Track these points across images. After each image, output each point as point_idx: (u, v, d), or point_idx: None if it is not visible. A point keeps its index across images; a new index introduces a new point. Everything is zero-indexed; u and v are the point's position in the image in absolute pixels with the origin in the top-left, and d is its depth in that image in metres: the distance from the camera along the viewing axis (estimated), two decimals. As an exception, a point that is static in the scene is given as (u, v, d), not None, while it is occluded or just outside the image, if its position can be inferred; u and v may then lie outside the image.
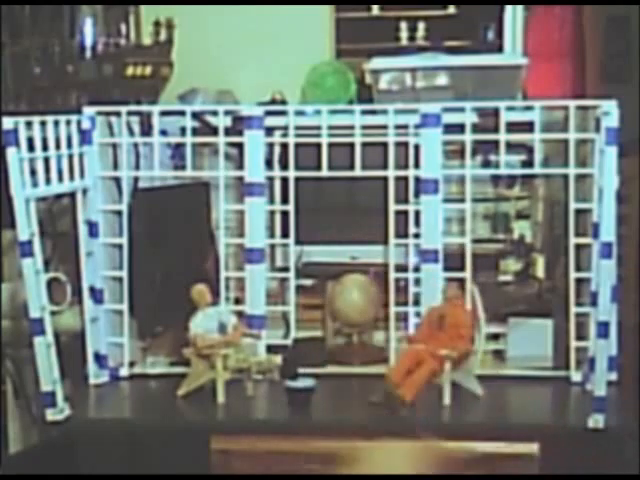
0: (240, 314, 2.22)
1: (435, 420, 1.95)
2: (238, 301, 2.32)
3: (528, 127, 2.16)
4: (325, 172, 2.22)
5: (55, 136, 2.08)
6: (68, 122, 2.14)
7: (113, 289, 2.25)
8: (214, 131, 2.27)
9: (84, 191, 2.20)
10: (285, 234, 2.30)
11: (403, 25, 2.91)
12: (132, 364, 2.27)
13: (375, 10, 2.92)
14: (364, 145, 2.21)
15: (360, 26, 2.89)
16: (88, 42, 2.58)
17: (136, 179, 2.30)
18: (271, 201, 2.33)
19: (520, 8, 2.81)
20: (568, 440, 1.88)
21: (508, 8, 2.80)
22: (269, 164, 2.33)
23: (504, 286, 2.33)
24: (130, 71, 2.54)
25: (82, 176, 2.18)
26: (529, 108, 2.19)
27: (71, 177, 2.14)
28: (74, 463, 1.99)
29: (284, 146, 2.29)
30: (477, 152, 2.29)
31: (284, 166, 2.29)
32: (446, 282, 2.18)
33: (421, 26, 2.90)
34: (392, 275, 2.22)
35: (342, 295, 2.27)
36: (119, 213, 2.25)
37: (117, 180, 2.26)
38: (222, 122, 2.24)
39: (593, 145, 2.12)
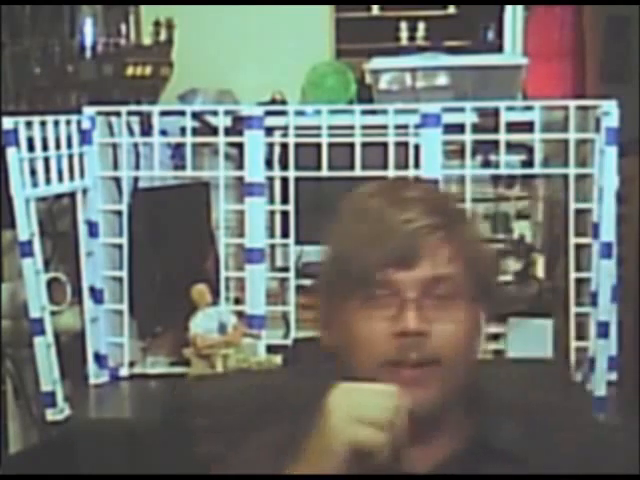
0: (240, 314, 2.22)
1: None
2: (238, 301, 2.32)
3: (528, 127, 2.16)
4: (325, 172, 2.22)
5: (55, 136, 2.08)
6: (68, 122, 2.14)
7: (113, 289, 2.25)
8: (214, 131, 2.27)
9: (84, 191, 2.20)
10: (285, 234, 2.30)
11: (403, 25, 2.90)
12: (132, 364, 2.27)
13: (375, 10, 2.91)
14: (364, 145, 2.21)
15: (360, 26, 2.88)
16: (88, 42, 2.58)
17: (136, 179, 2.30)
18: (271, 201, 2.33)
19: (520, 8, 2.80)
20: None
21: (508, 8, 2.80)
22: (269, 164, 2.33)
23: (504, 286, 2.33)
24: (130, 71, 2.54)
25: (82, 176, 2.19)
26: (529, 108, 2.19)
27: (71, 177, 2.14)
28: (74, 463, 1.99)
29: (284, 146, 2.29)
30: (477, 152, 2.29)
31: (284, 166, 2.29)
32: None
33: (421, 26, 2.89)
34: (392, 275, 2.22)
35: (342, 295, 2.27)
36: (119, 213, 2.24)
37: (117, 180, 2.26)
38: (222, 122, 2.24)
39: (593, 145, 2.12)
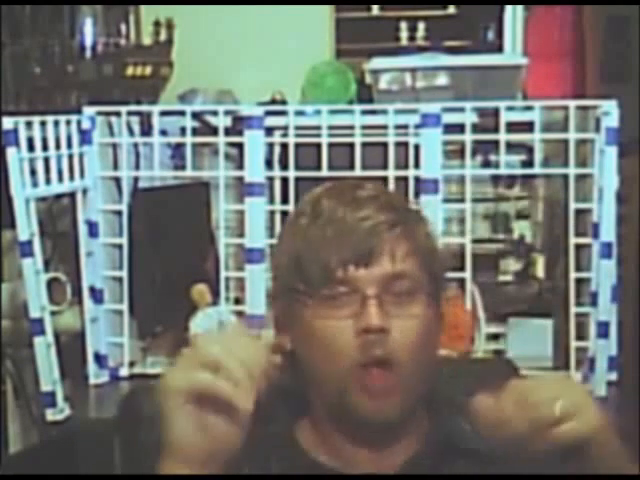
0: (240, 314, 2.22)
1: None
2: (238, 301, 2.32)
3: (528, 127, 2.16)
4: (325, 172, 2.22)
5: (55, 136, 2.08)
6: (68, 122, 2.14)
7: (113, 289, 2.25)
8: (214, 131, 2.27)
9: (84, 191, 2.20)
10: (285, 234, 2.30)
11: (403, 25, 2.91)
12: (132, 364, 2.27)
13: (375, 10, 2.92)
14: (364, 145, 2.21)
15: (360, 26, 2.88)
16: (88, 42, 2.58)
17: (136, 179, 2.30)
18: (271, 201, 2.33)
19: (520, 8, 2.80)
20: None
21: (508, 8, 2.80)
22: (269, 164, 2.33)
23: (504, 286, 2.33)
24: (130, 71, 2.54)
25: (82, 176, 2.18)
26: (529, 108, 2.19)
27: (71, 177, 2.14)
28: (74, 463, 1.99)
29: (284, 146, 2.29)
30: (477, 152, 2.29)
31: (284, 166, 2.29)
32: (446, 282, 2.18)
33: (421, 26, 2.90)
34: (392, 275, 2.22)
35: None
36: (119, 213, 2.24)
37: (117, 180, 2.26)
38: (222, 122, 2.24)
39: (593, 145, 2.12)
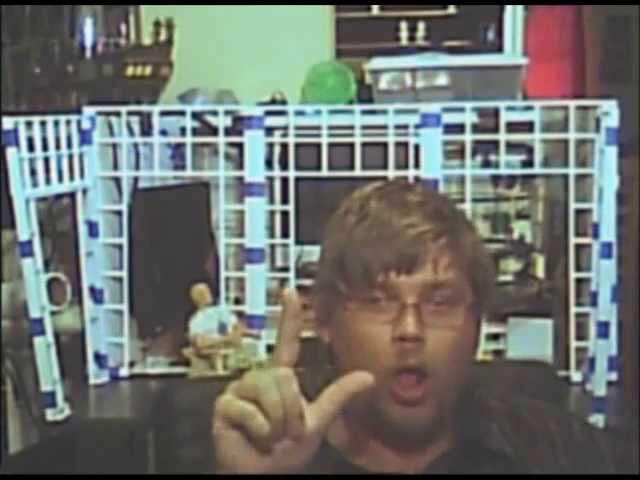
0: (240, 314, 2.22)
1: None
2: (238, 301, 2.32)
3: (528, 127, 2.16)
4: (325, 172, 2.22)
5: (55, 136, 2.08)
6: (68, 122, 2.14)
7: (113, 289, 2.25)
8: (214, 131, 2.27)
9: (84, 191, 2.20)
10: (285, 234, 2.30)
11: (403, 25, 2.91)
12: (132, 364, 2.27)
13: (375, 10, 2.92)
14: (364, 145, 2.21)
15: (360, 26, 2.89)
16: (88, 42, 2.59)
17: (136, 179, 2.30)
18: (271, 201, 2.33)
19: (520, 8, 2.81)
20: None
21: (508, 8, 2.80)
22: (269, 164, 2.33)
23: (504, 286, 2.33)
24: (130, 71, 2.54)
25: (82, 176, 2.19)
26: (529, 108, 2.19)
27: (71, 177, 2.14)
28: (74, 463, 1.99)
29: (284, 146, 2.29)
30: (477, 152, 2.29)
31: (284, 166, 2.29)
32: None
33: (421, 26, 2.90)
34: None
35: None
36: (119, 213, 2.25)
37: (117, 180, 2.27)
38: (222, 122, 2.24)
39: (593, 145, 2.12)
